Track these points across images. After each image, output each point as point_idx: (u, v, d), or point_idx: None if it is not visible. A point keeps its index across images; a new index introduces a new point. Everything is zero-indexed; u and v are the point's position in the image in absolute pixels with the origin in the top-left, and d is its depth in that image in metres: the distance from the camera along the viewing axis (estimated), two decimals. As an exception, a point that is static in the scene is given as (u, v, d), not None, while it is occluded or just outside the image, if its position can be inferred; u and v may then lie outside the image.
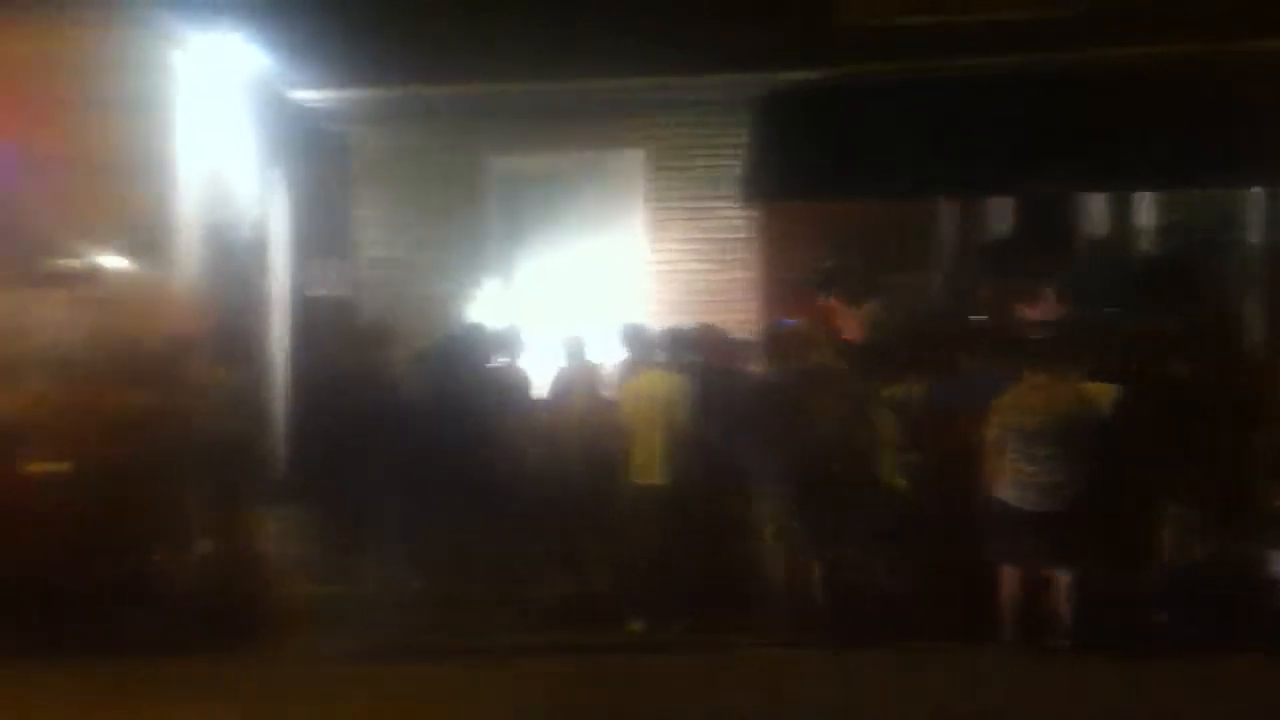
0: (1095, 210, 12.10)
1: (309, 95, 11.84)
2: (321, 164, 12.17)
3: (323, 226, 12.27)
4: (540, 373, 9.92)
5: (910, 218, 11.67)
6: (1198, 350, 8.86)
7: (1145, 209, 11.92)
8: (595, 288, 11.68)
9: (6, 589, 7.73)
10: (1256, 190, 11.12)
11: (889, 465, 8.72)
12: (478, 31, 11.33)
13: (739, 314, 10.82)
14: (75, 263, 12.12)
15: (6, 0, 10.93)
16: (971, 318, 10.76)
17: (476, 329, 10.78)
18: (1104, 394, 8.33)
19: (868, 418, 8.78)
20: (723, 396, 8.96)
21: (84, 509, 7.99)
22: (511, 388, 9.51)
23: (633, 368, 9.42)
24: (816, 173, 10.75)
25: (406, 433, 9.14)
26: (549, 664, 7.99)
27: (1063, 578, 8.03)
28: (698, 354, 9.42)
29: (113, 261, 11.72)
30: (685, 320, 10.10)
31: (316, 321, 11.86)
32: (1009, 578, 8.10)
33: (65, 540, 7.80)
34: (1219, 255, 11.36)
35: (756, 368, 9.43)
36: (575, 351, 9.70)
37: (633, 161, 11.88)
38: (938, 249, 11.99)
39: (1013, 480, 8.08)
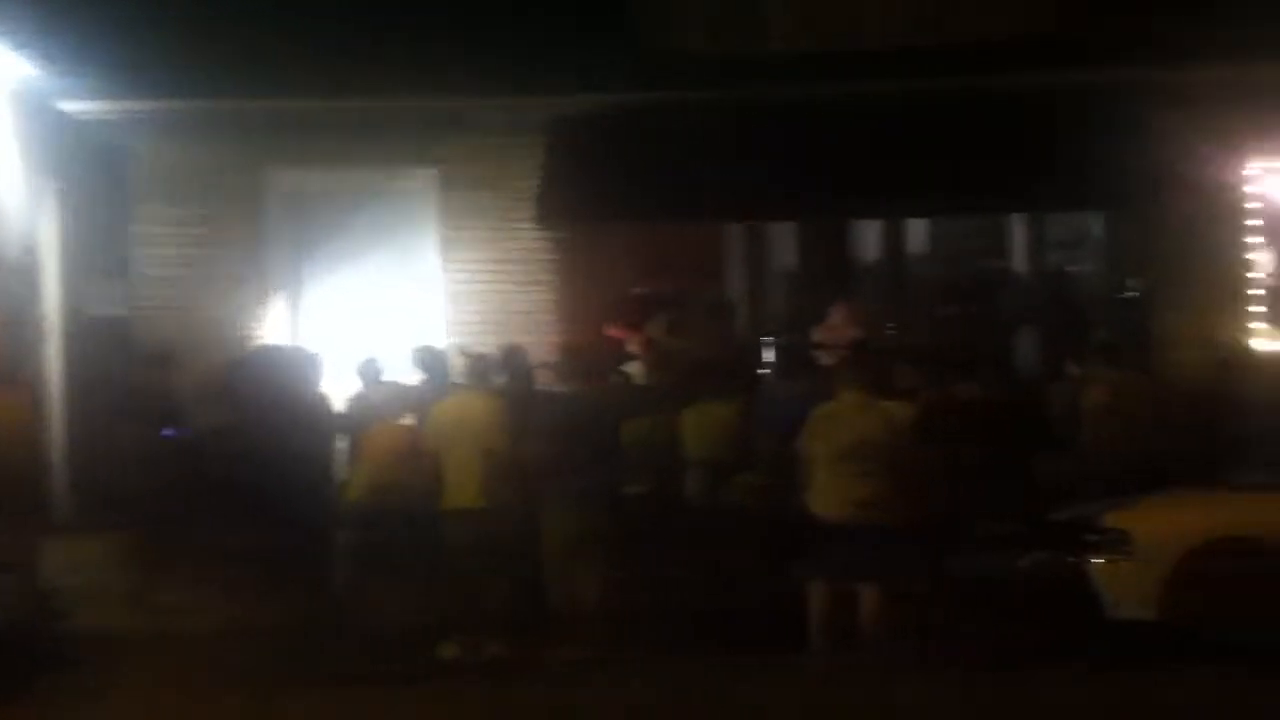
0: (888, 236, 12.58)
1: (84, 107, 11.21)
2: (98, 179, 11.62)
3: (100, 244, 11.71)
4: (337, 395, 9.72)
5: (710, 241, 11.92)
6: (983, 370, 9.28)
7: (930, 235, 12.50)
8: (390, 309, 11.42)
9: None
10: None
11: (698, 482, 8.93)
12: (266, 44, 10.98)
13: (543, 335, 10.77)
14: None
15: None
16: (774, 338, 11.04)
17: (268, 351, 10.56)
18: (904, 412, 8.64)
19: (673, 436, 9.00)
20: (530, 417, 8.91)
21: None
22: (313, 410, 9.27)
23: (439, 390, 9.28)
24: (613, 195, 10.83)
25: (202, 458, 8.87)
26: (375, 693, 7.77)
27: (873, 591, 8.20)
28: (505, 375, 9.39)
29: None
30: (491, 341, 10.07)
31: (93, 343, 11.37)
32: (824, 591, 8.25)
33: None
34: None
35: (562, 388, 9.39)
36: (370, 374, 9.56)
37: (426, 181, 11.63)
38: (737, 271, 12.26)
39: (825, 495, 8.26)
